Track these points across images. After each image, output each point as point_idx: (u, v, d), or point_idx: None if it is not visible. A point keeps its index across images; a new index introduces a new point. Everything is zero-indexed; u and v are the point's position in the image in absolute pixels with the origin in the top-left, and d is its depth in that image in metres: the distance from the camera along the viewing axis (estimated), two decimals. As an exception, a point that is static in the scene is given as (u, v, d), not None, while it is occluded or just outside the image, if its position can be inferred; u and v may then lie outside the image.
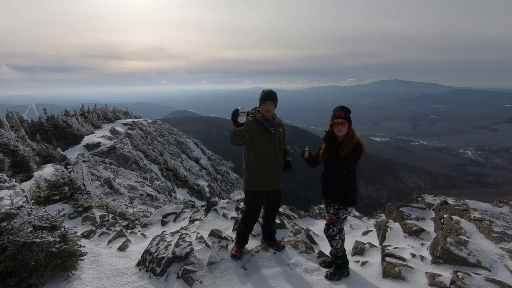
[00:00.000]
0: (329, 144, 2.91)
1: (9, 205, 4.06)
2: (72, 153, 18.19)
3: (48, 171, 11.49)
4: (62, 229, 3.79)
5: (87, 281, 3.37)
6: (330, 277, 3.01)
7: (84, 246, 3.93)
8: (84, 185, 8.48)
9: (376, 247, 3.68)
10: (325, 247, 3.87)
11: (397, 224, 4.08)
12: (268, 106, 3.20)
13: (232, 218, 4.47)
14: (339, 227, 3.05)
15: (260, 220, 3.82)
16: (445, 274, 2.72)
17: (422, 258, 3.11)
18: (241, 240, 3.48)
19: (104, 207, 8.04)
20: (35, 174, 11.02)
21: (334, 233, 3.03)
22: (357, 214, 5.08)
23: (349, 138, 2.87)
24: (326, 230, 3.06)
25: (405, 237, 3.73)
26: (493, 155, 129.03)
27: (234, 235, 3.78)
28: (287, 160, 3.37)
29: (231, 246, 3.60)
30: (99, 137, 22.88)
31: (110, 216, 7.25)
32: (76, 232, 4.30)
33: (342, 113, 2.86)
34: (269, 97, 3.21)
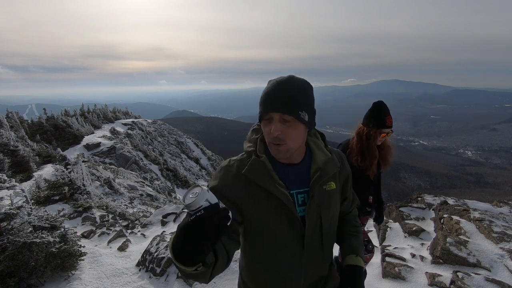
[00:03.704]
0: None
1: (9, 205, 4.07)
2: (72, 153, 18.19)
3: (48, 171, 11.49)
4: (62, 229, 3.80)
5: (87, 281, 3.37)
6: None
7: (84, 246, 3.93)
8: (84, 185, 8.48)
9: (376, 247, 3.68)
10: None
11: (397, 224, 4.09)
12: (278, 126, 1.00)
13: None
14: None
15: None
16: (445, 274, 2.72)
17: (422, 258, 3.11)
18: None
19: (104, 207, 8.03)
20: (35, 174, 11.01)
21: None
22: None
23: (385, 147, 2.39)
24: None
25: (405, 237, 3.73)
26: (493, 155, 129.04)
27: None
28: (348, 266, 1.22)
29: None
30: (99, 137, 22.87)
31: (110, 216, 7.25)
32: (76, 232, 4.30)
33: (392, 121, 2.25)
34: (278, 98, 0.99)
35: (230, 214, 0.76)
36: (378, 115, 2.21)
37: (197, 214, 0.70)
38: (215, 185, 1.09)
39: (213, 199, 0.74)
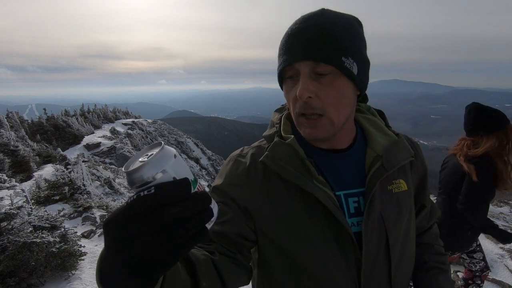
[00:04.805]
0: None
1: (9, 205, 4.07)
2: (72, 153, 18.20)
3: (48, 171, 11.50)
4: (62, 229, 3.80)
5: (87, 281, 3.37)
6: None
7: (84, 246, 3.93)
8: (84, 185, 8.49)
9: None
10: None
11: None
12: (308, 84, 0.59)
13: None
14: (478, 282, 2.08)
15: None
16: (445, 274, 2.73)
17: (422, 258, 3.12)
18: None
19: (104, 207, 8.04)
20: (35, 174, 11.02)
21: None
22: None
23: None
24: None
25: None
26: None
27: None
28: None
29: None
30: (99, 137, 22.89)
31: (110, 216, 7.27)
32: (76, 232, 4.30)
33: None
34: (305, 37, 0.58)
35: (213, 207, 0.38)
36: (499, 113, 1.80)
37: (140, 195, 0.32)
38: (219, 184, 0.71)
39: (182, 172, 0.38)
